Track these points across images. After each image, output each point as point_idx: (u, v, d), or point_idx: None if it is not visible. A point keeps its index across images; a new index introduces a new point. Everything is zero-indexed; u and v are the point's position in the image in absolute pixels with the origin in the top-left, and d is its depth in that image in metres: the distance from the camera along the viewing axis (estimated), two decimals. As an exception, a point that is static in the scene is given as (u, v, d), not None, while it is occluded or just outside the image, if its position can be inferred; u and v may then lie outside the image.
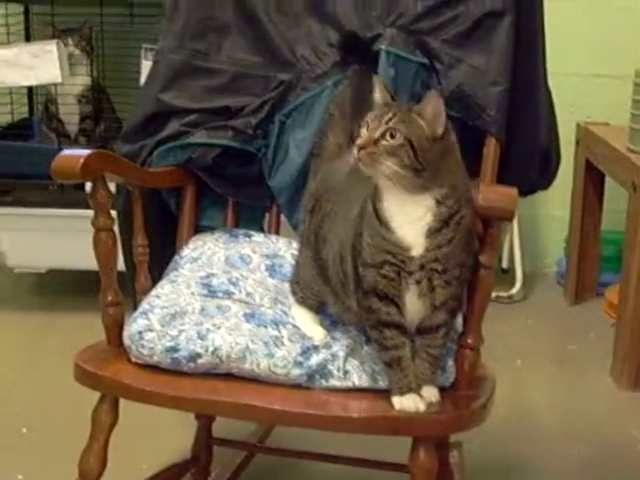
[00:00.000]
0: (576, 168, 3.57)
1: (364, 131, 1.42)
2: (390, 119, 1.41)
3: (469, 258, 1.49)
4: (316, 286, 1.66)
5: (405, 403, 1.48)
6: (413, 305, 1.49)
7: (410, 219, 1.43)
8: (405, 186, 1.40)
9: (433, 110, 1.42)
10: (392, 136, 1.40)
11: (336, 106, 1.85)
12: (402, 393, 1.49)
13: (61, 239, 3.19)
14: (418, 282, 1.46)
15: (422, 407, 1.48)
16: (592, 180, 3.53)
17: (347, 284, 1.55)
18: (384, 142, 1.40)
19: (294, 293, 1.71)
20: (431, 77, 1.89)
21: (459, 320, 1.65)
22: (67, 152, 1.66)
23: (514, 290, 3.67)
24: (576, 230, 3.60)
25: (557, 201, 3.84)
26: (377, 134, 1.40)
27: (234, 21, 2.01)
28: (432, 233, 1.43)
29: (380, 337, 1.50)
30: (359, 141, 1.41)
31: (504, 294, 3.63)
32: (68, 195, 3.25)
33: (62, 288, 3.66)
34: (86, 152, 1.64)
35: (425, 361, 1.53)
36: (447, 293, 1.48)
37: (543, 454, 2.48)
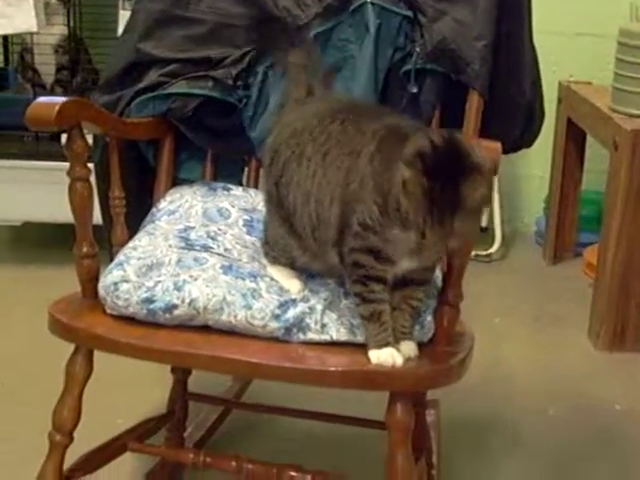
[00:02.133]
0: (557, 127, 3.57)
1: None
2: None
3: None
4: (282, 241, 1.64)
5: (382, 357, 1.48)
6: (408, 264, 1.48)
7: None
8: None
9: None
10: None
11: (292, 66, 1.84)
12: (379, 347, 1.48)
13: (37, 191, 3.16)
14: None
15: (399, 361, 1.48)
16: (573, 139, 3.53)
17: (321, 229, 1.54)
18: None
19: (266, 254, 1.70)
20: (415, 30, 1.88)
21: (438, 275, 1.64)
22: (42, 99, 1.64)
23: (493, 249, 3.68)
24: (556, 190, 3.61)
25: (537, 160, 3.84)
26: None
27: (215, -30, 1.99)
28: None
29: (364, 290, 1.49)
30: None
31: (483, 253, 3.64)
32: (44, 146, 3.24)
33: (38, 241, 3.64)
34: (62, 99, 1.61)
35: (405, 312, 1.53)
36: (442, 255, 1.50)
37: (520, 413, 2.50)
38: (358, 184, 1.46)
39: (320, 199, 1.53)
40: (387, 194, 1.40)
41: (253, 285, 1.60)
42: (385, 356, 1.48)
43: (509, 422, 2.46)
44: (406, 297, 1.53)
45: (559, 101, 3.55)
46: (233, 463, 1.71)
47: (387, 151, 1.44)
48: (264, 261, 1.70)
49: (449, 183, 1.33)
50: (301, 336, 1.55)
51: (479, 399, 2.50)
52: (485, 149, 1.45)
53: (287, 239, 1.63)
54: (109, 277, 1.61)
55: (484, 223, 3.74)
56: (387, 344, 1.49)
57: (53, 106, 1.59)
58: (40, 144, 3.24)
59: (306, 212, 1.56)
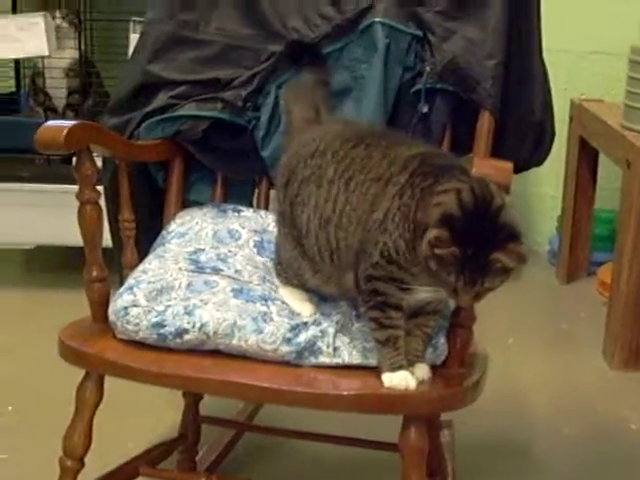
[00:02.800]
0: (569, 145, 3.55)
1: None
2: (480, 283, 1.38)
3: None
4: (295, 262, 1.63)
5: (395, 380, 1.46)
6: (426, 294, 1.46)
7: None
8: None
9: None
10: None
11: (296, 84, 1.84)
12: (393, 370, 1.47)
13: (48, 215, 3.15)
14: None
15: (413, 384, 1.46)
16: (586, 158, 3.51)
17: (341, 253, 1.52)
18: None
19: (278, 274, 1.68)
20: (425, 50, 1.86)
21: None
22: (51, 123, 1.63)
23: (506, 268, 3.65)
24: (569, 208, 3.58)
25: (549, 179, 3.83)
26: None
27: (223, -8, 1.99)
28: None
29: (382, 316, 1.46)
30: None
31: (496, 273, 3.60)
32: (55, 169, 3.23)
33: (49, 265, 3.64)
34: (70, 123, 1.61)
35: (419, 338, 1.51)
36: None
37: (534, 433, 2.47)
38: (383, 214, 1.44)
39: (342, 224, 1.50)
40: (415, 237, 1.39)
41: (264, 309, 1.58)
42: (398, 379, 1.46)
43: (524, 442, 2.44)
44: (419, 325, 1.52)
45: (571, 119, 3.54)
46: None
47: (418, 186, 1.42)
48: (276, 281, 1.68)
49: (480, 248, 1.33)
50: (313, 360, 1.53)
51: (493, 419, 2.47)
52: (496, 168, 1.44)
53: (299, 261, 1.62)
54: (119, 301, 1.60)
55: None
56: (400, 367, 1.47)
57: (62, 129, 1.58)
58: (51, 167, 3.23)
59: (323, 236, 1.54)
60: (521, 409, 2.60)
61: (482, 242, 1.33)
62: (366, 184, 1.49)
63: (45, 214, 3.17)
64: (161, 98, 1.93)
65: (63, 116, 3.46)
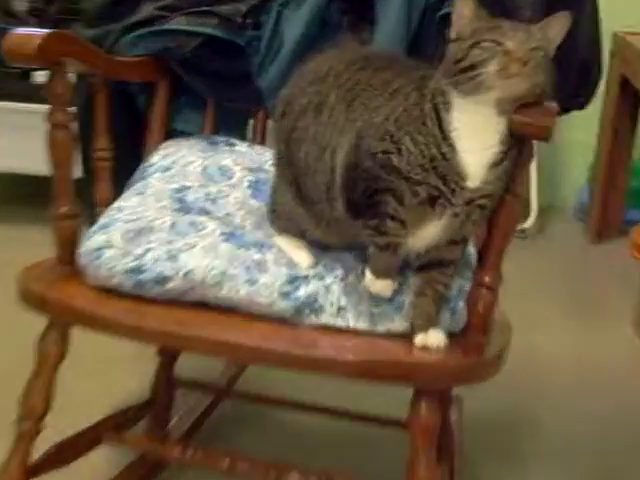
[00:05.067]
0: (609, 85, 3.54)
1: (509, 43, 1.40)
2: (536, 37, 1.42)
3: (503, 186, 1.49)
4: (292, 210, 1.63)
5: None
6: (430, 235, 1.47)
7: (481, 145, 1.42)
8: (505, 110, 1.41)
9: (559, 30, 1.46)
10: (542, 55, 1.42)
11: None
12: (381, 276, 1.50)
13: (4, 137, 3.13)
14: (456, 215, 1.45)
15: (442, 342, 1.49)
16: (626, 100, 3.51)
17: (334, 187, 1.53)
18: (536, 56, 1.41)
19: (272, 222, 1.68)
20: None
21: (472, 253, 1.63)
22: (21, 30, 1.61)
23: (528, 223, 3.68)
24: (603, 157, 3.59)
25: (582, 123, 3.80)
26: (532, 45, 1.40)
27: None
28: (495, 165, 1.43)
29: (381, 225, 1.47)
30: (513, 47, 1.39)
31: (517, 227, 3.62)
32: (11, 85, 3.20)
33: (6, 196, 3.62)
34: (43, 31, 1.59)
35: (429, 298, 1.51)
36: (475, 229, 1.50)
37: (553, 411, 2.50)
38: (384, 117, 1.46)
39: (338, 143, 1.51)
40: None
41: (259, 256, 1.58)
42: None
43: (543, 420, 2.46)
44: (430, 281, 1.52)
45: (612, 55, 3.52)
46: (227, 460, 1.69)
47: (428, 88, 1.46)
48: (271, 230, 1.68)
49: None
50: (313, 318, 1.54)
51: (507, 395, 2.49)
52: (538, 112, 1.43)
53: (296, 208, 1.62)
54: (91, 242, 1.60)
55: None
56: (389, 275, 1.49)
57: (34, 38, 1.57)
58: (7, 82, 3.20)
59: (320, 168, 1.54)
60: (538, 384, 2.62)
61: None
62: (370, 100, 1.50)
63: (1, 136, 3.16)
64: (146, 9, 1.92)
65: (24, 23, 3.42)
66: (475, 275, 1.59)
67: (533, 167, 3.70)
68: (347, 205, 1.50)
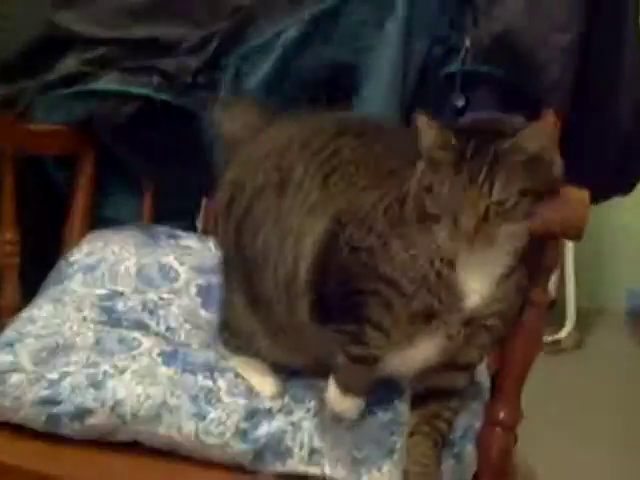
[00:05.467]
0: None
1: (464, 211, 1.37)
2: (487, 175, 1.37)
3: (518, 300, 1.49)
4: (247, 323, 1.63)
5: (346, 404, 1.48)
6: (422, 356, 1.48)
7: (484, 259, 1.41)
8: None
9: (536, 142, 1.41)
10: (504, 200, 1.37)
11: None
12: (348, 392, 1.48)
13: None
14: (450, 337, 1.45)
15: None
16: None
17: (297, 282, 1.52)
18: (495, 212, 1.37)
19: (226, 342, 1.69)
20: (465, 15, 1.88)
21: (483, 380, 1.64)
22: None
23: (563, 333, 3.69)
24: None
25: (632, 204, 3.84)
26: (482, 208, 1.37)
27: None
28: (504, 278, 1.43)
29: (360, 331, 1.46)
30: (465, 225, 1.37)
31: (549, 338, 3.63)
32: None
33: None
34: None
35: (428, 440, 1.51)
36: (482, 353, 1.50)
37: None
38: (371, 205, 1.47)
39: (307, 227, 1.51)
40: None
41: (208, 383, 1.59)
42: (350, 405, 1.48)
43: None
44: (429, 416, 1.51)
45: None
46: None
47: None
48: (223, 351, 1.69)
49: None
50: (279, 465, 1.53)
51: None
52: (566, 201, 1.45)
53: (248, 317, 1.62)
54: (-8, 363, 1.60)
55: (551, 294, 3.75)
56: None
57: None
58: None
59: (281, 258, 1.54)
60: None
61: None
62: (354, 176, 1.51)
63: None
64: (69, 62, 1.95)
65: None
66: (487, 410, 1.58)
67: (570, 262, 3.73)
68: (313, 306, 1.51)
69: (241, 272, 1.61)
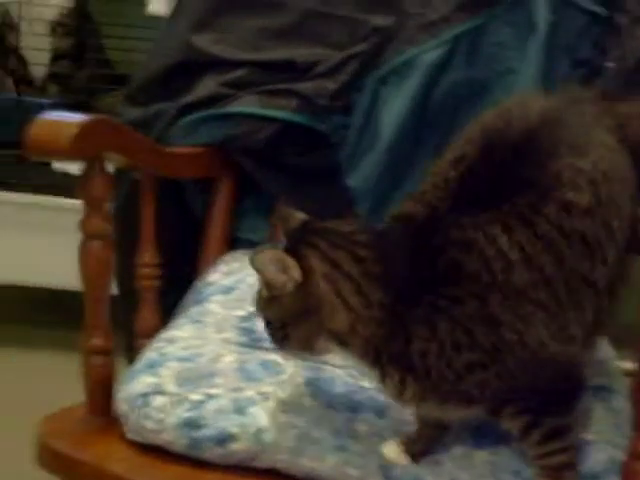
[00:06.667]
0: None
1: None
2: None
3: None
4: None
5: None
6: None
7: None
8: None
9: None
10: None
11: None
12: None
13: (16, 237, 3.17)
14: None
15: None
16: None
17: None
18: None
19: None
20: (608, 36, 1.86)
21: (621, 404, 1.60)
22: (50, 117, 1.61)
23: None
24: None
25: None
26: None
27: None
28: None
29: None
30: None
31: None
32: (23, 172, 3.24)
33: (16, 313, 3.66)
34: (79, 118, 1.59)
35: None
36: None
37: None
38: None
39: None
40: None
41: (351, 415, 1.57)
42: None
43: None
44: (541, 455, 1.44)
45: None
46: None
47: None
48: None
49: None
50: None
51: None
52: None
53: None
54: (134, 385, 1.59)
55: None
56: None
57: (67, 128, 1.56)
58: (24, 167, 3.25)
59: None
60: None
61: None
62: None
63: (11, 237, 3.18)
64: (208, 85, 1.96)
65: (43, 91, 3.49)
66: (633, 439, 1.50)
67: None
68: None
69: None
